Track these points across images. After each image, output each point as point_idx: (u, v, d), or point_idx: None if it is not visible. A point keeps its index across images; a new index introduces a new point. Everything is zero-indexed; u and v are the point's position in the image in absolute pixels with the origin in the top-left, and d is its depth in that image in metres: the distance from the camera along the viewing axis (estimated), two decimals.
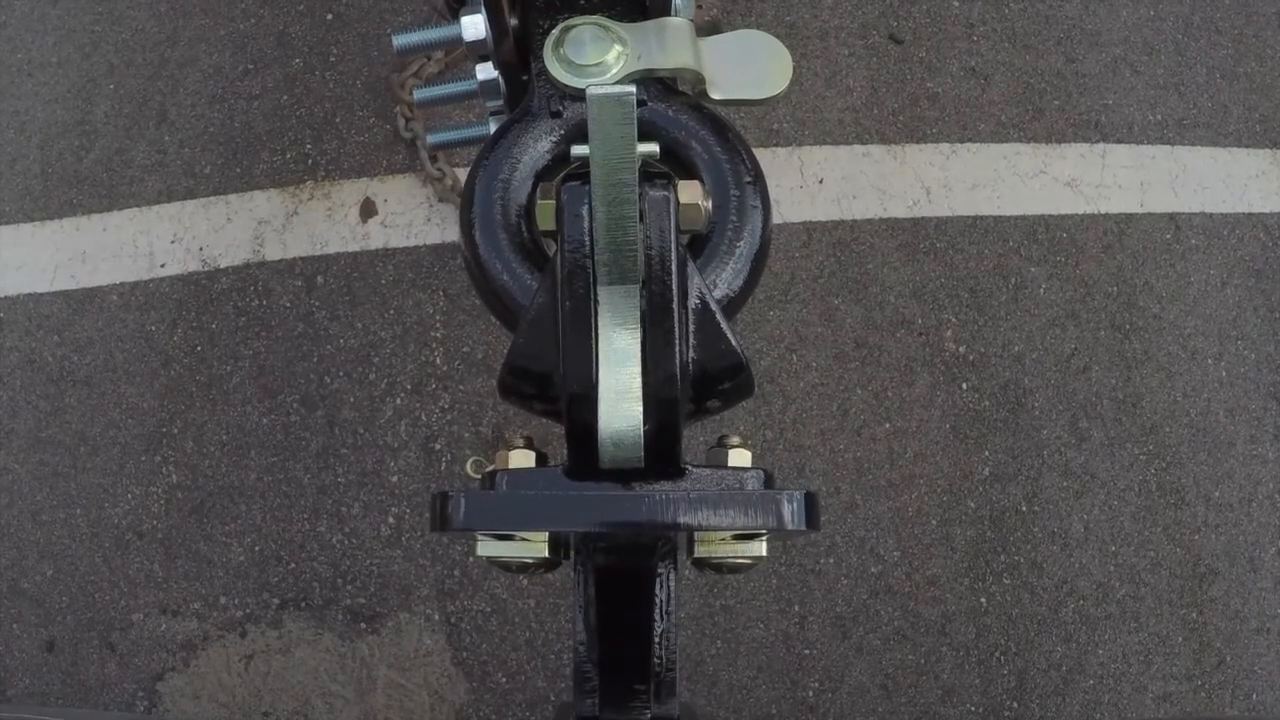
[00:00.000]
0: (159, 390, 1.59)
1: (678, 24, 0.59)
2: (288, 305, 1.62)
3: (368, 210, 1.67)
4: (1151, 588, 1.53)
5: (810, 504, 0.45)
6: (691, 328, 0.50)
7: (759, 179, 0.60)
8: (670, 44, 0.57)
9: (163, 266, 1.66)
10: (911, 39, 1.80)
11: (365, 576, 1.50)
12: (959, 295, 1.65)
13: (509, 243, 0.59)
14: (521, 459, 0.50)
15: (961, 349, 1.62)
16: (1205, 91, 1.81)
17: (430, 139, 1.05)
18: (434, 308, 1.61)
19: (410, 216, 1.66)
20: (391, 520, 1.52)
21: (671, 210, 0.48)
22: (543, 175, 0.60)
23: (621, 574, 0.55)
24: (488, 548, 0.50)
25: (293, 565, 1.51)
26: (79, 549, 1.53)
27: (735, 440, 0.51)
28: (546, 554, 0.50)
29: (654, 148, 0.53)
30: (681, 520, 0.44)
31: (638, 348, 0.47)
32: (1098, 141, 1.76)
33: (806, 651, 1.48)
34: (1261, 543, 1.57)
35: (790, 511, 0.44)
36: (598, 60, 0.56)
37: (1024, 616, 1.50)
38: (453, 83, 0.81)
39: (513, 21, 0.68)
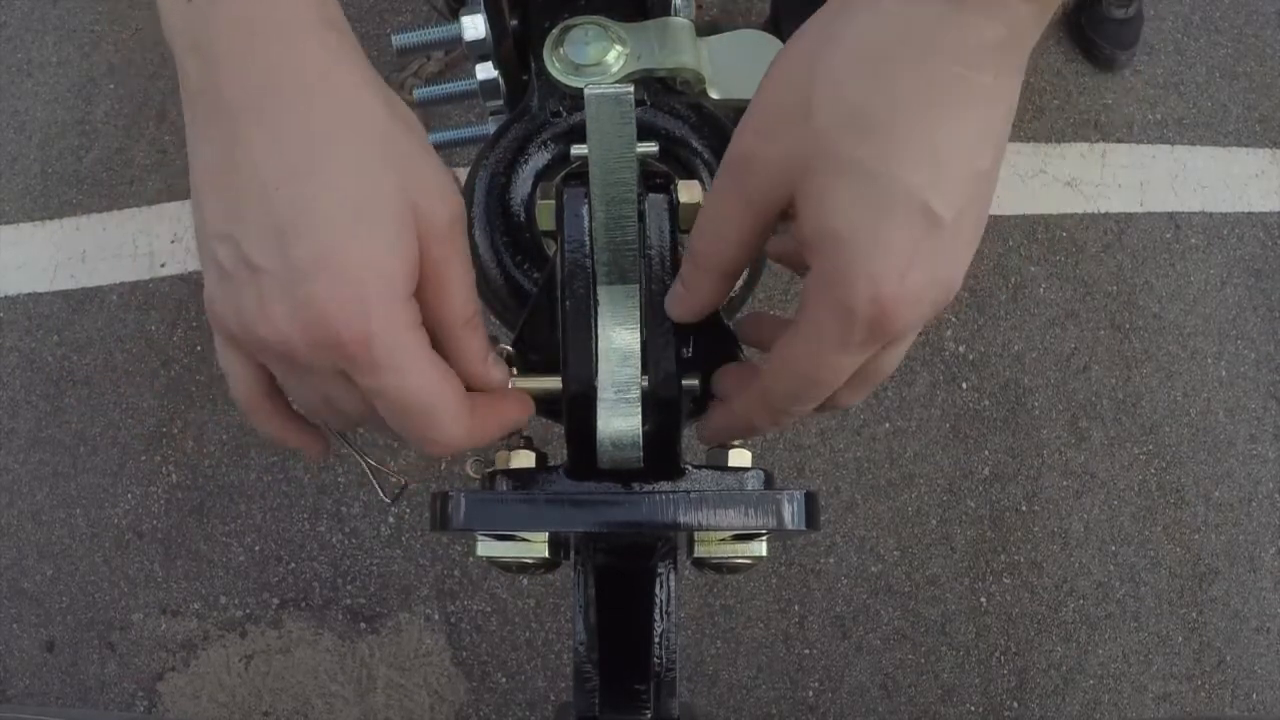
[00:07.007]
0: (159, 390, 1.59)
1: (678, 24, 0.59)
2: None
3: None
4: (1151, 587, 1.53)
5: (810, 504, 0.45)
6: (691, 328, 0.50)
7: None
8: (670, 44, 0.57)
9: (163, 266, 1.66)
10: None
11: (365, 576, 1.50)
12: (959, 295, 1.65)
13: (509, 243, 0.59)
14: (522, 459, 0.50)
15: (961, 348, 1.62)
16: (1205, 91, 1.81)
17: (430, 138, 1.05)
18: None
19: None
20: (391, 520, 1.52)
21: (671, 210, 0.48)
22: (543, 175, 0.60)
23: (621, 574, 0.55)
24: (487, 548, 0.50)
25: (293, 565, 1.51)
26: (79, 549, 1.53)
27: (735, 440, 0.51)
28: (546, 554, 0.49)
29: (654, 147, 0.53)
30: (681, 520, 0.43)
31: (638, 347, 0.47)
32: (1097, 141, 1.76)
33: (806, 651, 1.48)
34: (1261, 542, 1.57)
35: (790, 511, 0.44)
36: (597, 60, 0.56)
37: (1024, 616, 1.50)
38: (453, 82, 0.81)
39: (513, 22, 0.68)
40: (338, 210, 0.37)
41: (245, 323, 0.38)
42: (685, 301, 0.46)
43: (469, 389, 0.45)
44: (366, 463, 0.53)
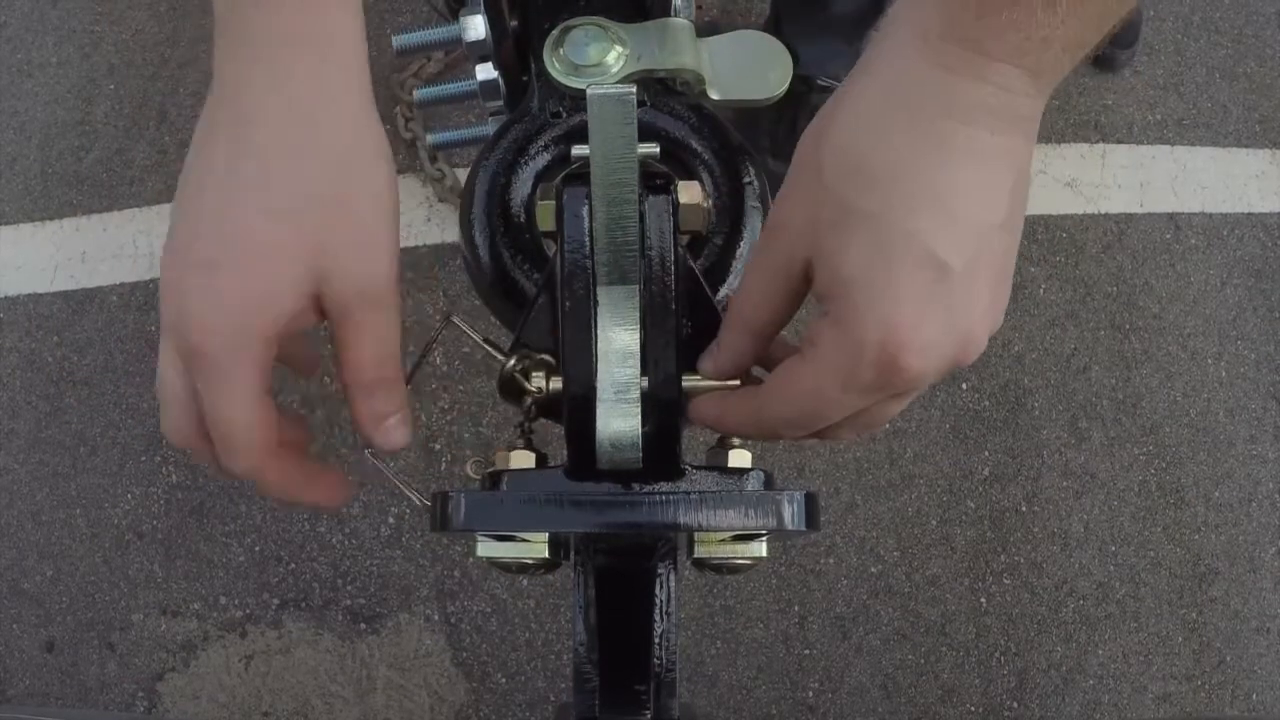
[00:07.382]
0: None
1: (678, 25, 0.59)
2: None
3: None
4: (1151, 588, 1.53)
5: (810, 504, 0.45)
6: (691, 328, 0.50)
7: (758, 180, 0.60)
8: (670, 44, 0.57)
9: None
10: None
11: (365, 576, 1.50)
12: None
13: (509, 244, 0.59)
14: (521, 459, 0.50)
15: None
16: (1205, 91, 1.81)
17: (430, 139, 1.05)
18: (434, 308, 1.61)
19: (410, 216, 1.66)
20: (391, 520, 1.52)
21: (671, 210, 0.48)
22: (543, 175, 0.60)
23: (621, 575, 0.55)
24: (488, 548, 0.50)
25: (293, 565, 1.51)
26: (79, 549, 1.53)
27: (735, 440, 0.51)
28: (546, 554, 0.50)
29: (654, 148, 0.53)
30: (681, 521, 0.43)
31: (637, 348, 0.47)
32: (1098, 141, 1.76)
33: (806, 652, 1.48)
34: (1261, 543, 1.57)
35: (790, 512, 0.44)
36: (598, 61, 0.56)
37: (1024, 616, 1.50)
38: (453, 83, 0.81)
39: (513, 22, 0.68)
40: (238, 244, 0.41)
41: (163, 318, 0.45)
42: (716, 358, 0.49)
43: (366, 445, 0.51)
44: (396, 482, 0.61)
